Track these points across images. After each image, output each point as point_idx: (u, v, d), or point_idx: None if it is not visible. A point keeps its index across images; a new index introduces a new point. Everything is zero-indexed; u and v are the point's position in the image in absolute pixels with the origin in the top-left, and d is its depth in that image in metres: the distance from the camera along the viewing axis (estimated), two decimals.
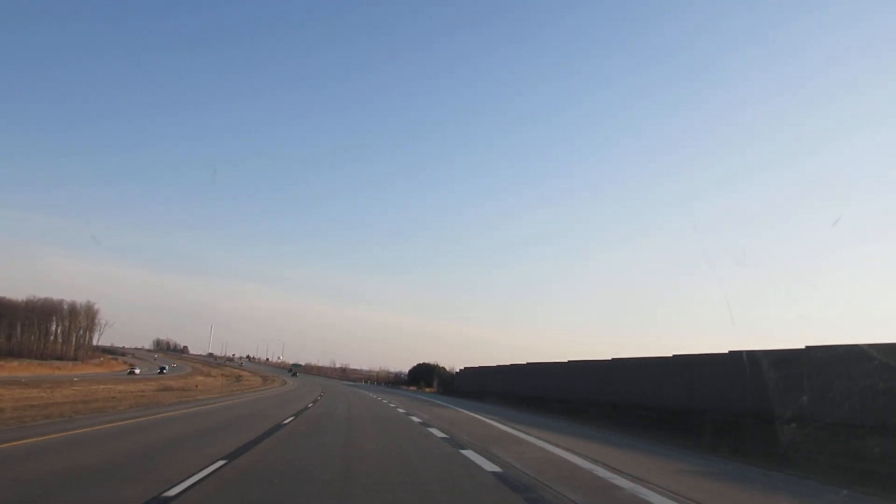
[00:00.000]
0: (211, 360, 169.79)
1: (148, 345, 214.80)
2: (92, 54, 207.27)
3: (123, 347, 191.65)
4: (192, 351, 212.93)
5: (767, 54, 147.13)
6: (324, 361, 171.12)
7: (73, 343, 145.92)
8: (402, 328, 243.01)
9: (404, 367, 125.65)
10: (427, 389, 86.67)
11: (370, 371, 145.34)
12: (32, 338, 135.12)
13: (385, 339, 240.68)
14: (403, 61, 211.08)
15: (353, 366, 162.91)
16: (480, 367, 65.63)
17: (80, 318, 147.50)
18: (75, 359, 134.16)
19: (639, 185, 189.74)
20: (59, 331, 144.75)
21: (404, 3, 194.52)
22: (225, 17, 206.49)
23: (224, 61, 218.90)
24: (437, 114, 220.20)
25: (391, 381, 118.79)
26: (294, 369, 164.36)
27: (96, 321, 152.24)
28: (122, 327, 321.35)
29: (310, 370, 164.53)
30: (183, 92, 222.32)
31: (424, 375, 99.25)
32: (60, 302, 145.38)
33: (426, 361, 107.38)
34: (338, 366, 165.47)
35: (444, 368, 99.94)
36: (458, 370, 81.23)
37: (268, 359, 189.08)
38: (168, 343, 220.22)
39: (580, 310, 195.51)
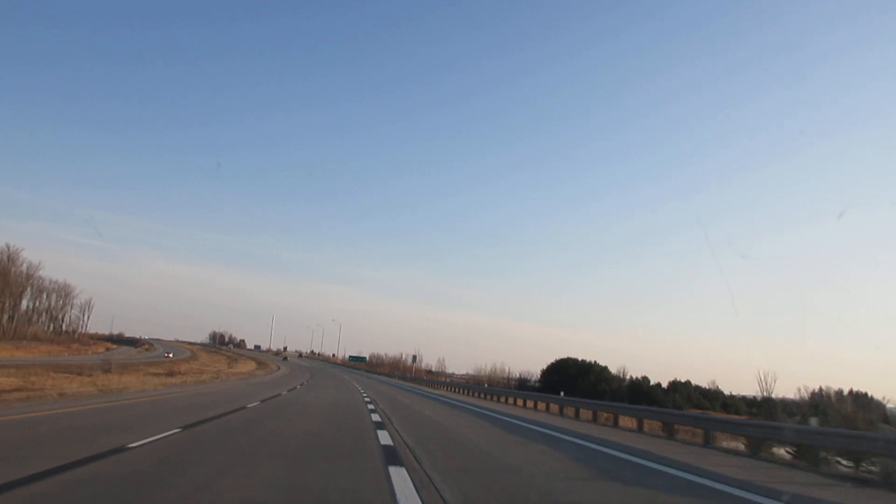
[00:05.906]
0: (242, 352, 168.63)
1: (204, 338, 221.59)
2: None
3: (145, 336, 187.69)
4: (247, 345, 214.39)
5: (769, 47, 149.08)
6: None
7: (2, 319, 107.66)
8: (501, 331, 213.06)
9: (529, 367, 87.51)
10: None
11: (476, 374, 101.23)
12: None
13: (482, 343, 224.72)
14: (486, 64, 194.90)
15: (438, 368, 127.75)
16: None
17: (8, 282, 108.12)
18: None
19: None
20: None
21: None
22: (328, 19, 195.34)
23: (320, 63, 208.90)
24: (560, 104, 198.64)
25: (516, 386, 77.57)
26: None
27: (56, 292, 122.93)
28: (180, 321, 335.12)
29: (375, 365, 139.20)
30: (281, 95, 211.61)
31: (569, 380, 62.07)
32: None
33: (572, 356, 69.58)
34: (422, 367, 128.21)
35: (605, 368, 65.16)
36: None
37: (334, 354, 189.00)
38: (223, 336, 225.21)
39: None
